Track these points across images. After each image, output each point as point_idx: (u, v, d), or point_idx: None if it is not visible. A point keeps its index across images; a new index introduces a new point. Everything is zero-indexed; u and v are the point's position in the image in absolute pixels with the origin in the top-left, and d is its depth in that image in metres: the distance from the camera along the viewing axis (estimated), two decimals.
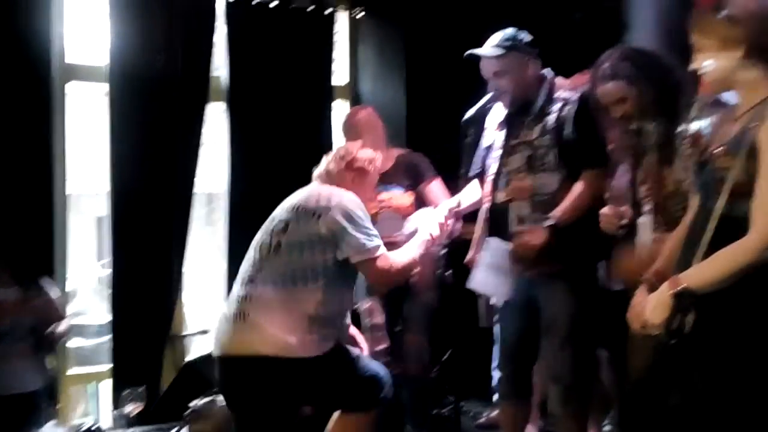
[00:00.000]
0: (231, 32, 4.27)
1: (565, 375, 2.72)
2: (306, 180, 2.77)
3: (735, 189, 1.77)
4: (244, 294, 2.47)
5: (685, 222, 2.01)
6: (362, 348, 2.81)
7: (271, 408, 2.44)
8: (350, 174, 2.67)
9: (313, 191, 2.60)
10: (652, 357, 2.04)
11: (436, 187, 3.40)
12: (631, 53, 2.42)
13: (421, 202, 3.39)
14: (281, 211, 2.59)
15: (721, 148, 1.83)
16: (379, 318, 3.33)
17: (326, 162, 2.74)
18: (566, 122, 2.70)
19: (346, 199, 2.51)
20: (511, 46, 2.75)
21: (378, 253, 2.46)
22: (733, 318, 1.78)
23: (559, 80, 2.86)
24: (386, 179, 3.26)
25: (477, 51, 2.80)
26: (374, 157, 2.75)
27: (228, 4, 4.25)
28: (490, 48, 2.78)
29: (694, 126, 2.20)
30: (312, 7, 4.55)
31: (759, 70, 1.79)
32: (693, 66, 1.92)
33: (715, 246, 1.79)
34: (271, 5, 4.40)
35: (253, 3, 4.34)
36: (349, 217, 2.44)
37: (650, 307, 1.87)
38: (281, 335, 2.36)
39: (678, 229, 2.05)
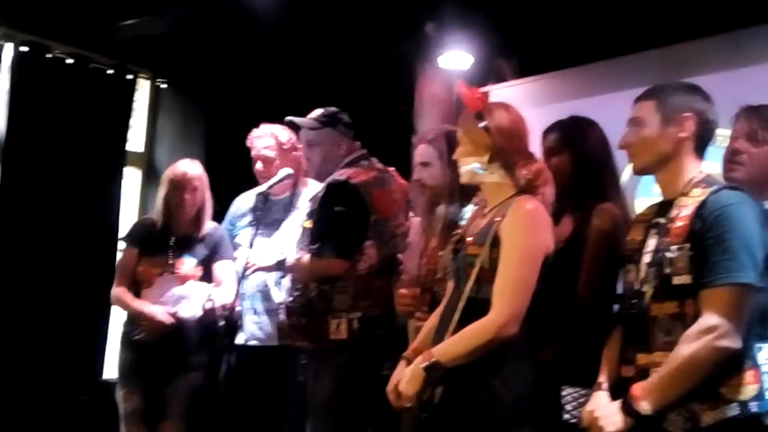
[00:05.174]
0: (15, 83, 4.04)
1: None
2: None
3: (481, 274, 1.97)
4: None
5: (443, 303, 2.17)
6: None
7: None
8: None
9: None
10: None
11: (223, 267, 3.27)
12: (453, 135, 2.46)
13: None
14: None
15: (471, 238, 2.05)
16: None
17: None
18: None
19: None
20: (327, 122, 2.86)
21: None
22: (472, 393, 1.92)
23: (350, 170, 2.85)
24: (188, 246, 3.20)
25: (296, 119, 2.91)
26: None
27: (16, 53, 4.05)
28: (307, 119, 2.90)
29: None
30: (112, 70, 4.45)
31: (499, 176, 2.06)
32: (454, 157, 2.14)
33: (463, 324, 1.95)
34: (68, 61, 4.25)
35: (47, 56, 4.17)
36: None
37: (405, 380, 1.99)
38: None
39: (437, 310, 2.21)
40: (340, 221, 2.70)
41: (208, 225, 3.25)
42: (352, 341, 2.70)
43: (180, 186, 3.17)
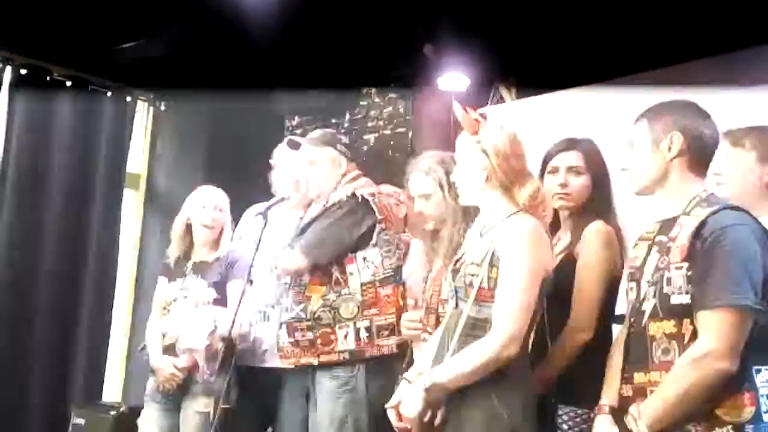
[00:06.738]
0: (15, 106, 4.07)
1: None
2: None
3: (480, 294, 1.97)
4: None
5: (443, 323, 2.16)
6: None
7: None
8: None
9: None
10: None
11: (231, 288, 3.20)
12: (448, 159, 2.47)
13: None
14: None
15: (470, 257, 2.05)
16: None
17: None
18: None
19: None
20: (328, 142, 2.88)
21: None
22: (473, 414, 1.91)
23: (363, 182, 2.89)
24: (202, 269, 3.19)
25: (298, 139, 2.92)
26: None
27: (16, 76, 4.08)
28: (309, 138, 2.92)
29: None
30: (111, 93, 4.47)
31: (497, 196, 2.06)
32: (452, 178, 2.15)
33: (463, 345, 1.95)
34: (68, 83, 4.27)
35: (47, 78, 4.20)
36: None
37: (406, 401, 1.98)
38: None
39: (437, 330, 2.21)
40: (333, 227, 2.72)
41: (227, 246, 3.25)
42: (360, 353, 2.67)
43: (186, 212, 3.24)
